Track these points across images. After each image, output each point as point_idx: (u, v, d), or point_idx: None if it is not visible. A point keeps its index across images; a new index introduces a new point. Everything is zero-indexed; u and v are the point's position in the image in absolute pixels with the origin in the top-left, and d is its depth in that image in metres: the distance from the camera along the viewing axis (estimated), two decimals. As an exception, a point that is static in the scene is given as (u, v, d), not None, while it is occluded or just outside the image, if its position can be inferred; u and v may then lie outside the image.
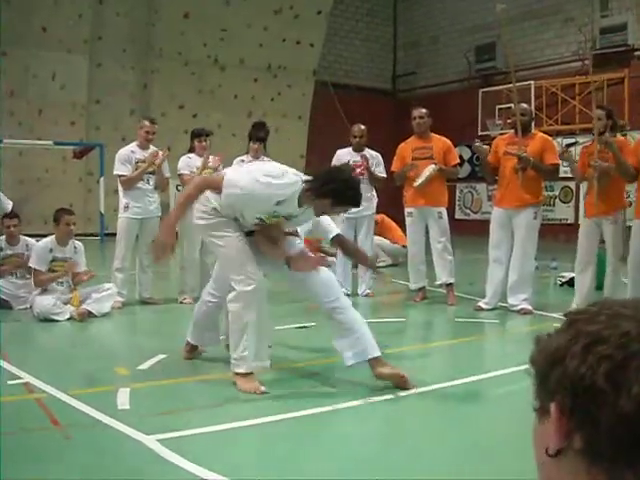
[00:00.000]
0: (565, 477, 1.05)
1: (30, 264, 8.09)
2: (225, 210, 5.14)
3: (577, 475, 1.03)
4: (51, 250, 8.03)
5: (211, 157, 8.99)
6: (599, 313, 1.07)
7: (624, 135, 17.84)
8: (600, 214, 7.73)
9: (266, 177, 5.04)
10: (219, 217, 5.12)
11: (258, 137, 9.37)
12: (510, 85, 9.00)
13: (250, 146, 9.39)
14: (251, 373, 5.08)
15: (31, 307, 7.90)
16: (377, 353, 5.14)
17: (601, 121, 7.81)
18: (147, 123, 8.99)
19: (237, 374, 5.07)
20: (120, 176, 8.78)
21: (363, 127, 9.53)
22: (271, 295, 9.23)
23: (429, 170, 8.66)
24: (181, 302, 8.85)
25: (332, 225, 6.04)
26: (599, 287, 8.08)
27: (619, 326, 1.03)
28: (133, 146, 8.96)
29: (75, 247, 8.23)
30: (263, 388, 4.97)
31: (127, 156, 8.80)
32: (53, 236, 8.14)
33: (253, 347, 5.08)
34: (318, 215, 5.47)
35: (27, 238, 8.65)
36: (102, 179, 17.44)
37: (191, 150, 9.10)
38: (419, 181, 8.67)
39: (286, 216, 5.29)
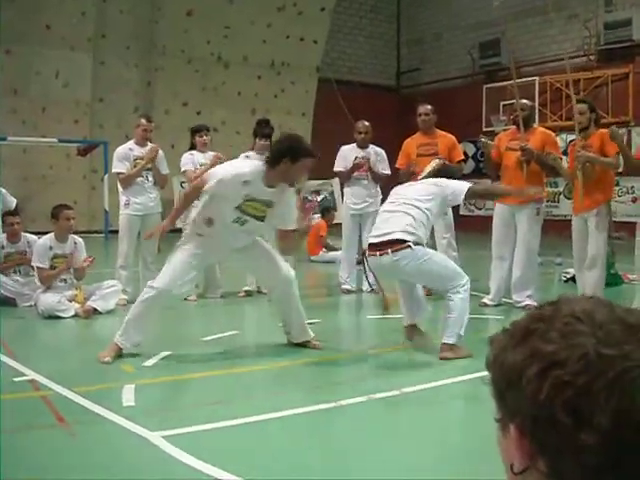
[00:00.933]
0: None
1: (32, 263, 8.11)
2: (205, 211, 5.85)
3: None
4: (51, 247, 8.03)
5: (211, 153, 9.00)
6: (553, 325, 1.00)
7: (629, 130, 17.95)
8: (585, 209, 7.70)
9: (231, 163, 6.10)
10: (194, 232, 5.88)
11: (264, 133, 9.37)
12: (514, 81, 8.92)
13: (256, 143, 9.39)
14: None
15: (36, 304, 7.90)
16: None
17: (584, 115, 7.75)
18: (144, 121, 8.98)
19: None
20: (118, 174, 8.78)
21: (367, 123, 9.53)
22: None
23: (433, 164, 8.63)
24: (185, 299, 8.85)
25: (292, 218, 6.09)
26: (606, 284, 8.07)
27: (576, 347, 0.95)
28: (131, 144, 8.93)
29: (75, 243, 8.21)
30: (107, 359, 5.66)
31: (125, 154, 8.79)
32: (52, 234, 8.14)
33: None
34: (290, 183, 5.88)
35: (28, 235, 8.67)
36: (106, 176, 17.43)
37: (192, 147, 9.12)
38: (423, 175, 8.64)
39: (264, 201, 5.75)
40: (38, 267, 7.99)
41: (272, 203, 5.76)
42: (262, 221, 5.97)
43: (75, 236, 8.32)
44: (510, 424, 1.00)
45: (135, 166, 8.71)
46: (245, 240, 6.08)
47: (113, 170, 8.89)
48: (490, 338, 1.09)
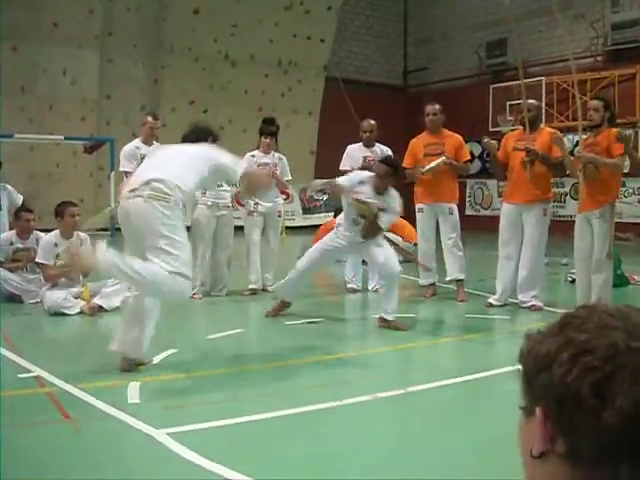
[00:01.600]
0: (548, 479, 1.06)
1: (37, 259, 8.11)
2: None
3: (559, 479, 1.04)
4: (56, 245, 8.03)
5: None
6: (589, 320, 1.07)
7: (636, 132, 17.90)
8: (588, 208, 7.65)
9: None
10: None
11: (269, 131, 9.39)
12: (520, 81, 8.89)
13: (261, 141, 9.41)
14: None
15: (42, 301, 7.91)
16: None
17: (598, 112, 7.65)
18: (150, 119, 9.00)
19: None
20: (126, 173, 8.76)
21: (373, 122, 9.51)
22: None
23: (438, 161, 8.63)
24: (191, 297, 8.85)
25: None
26: (613, 285, 8.03)
27: (607, 337, 1.03)
28: (138, 142, 8.93)
29: (81, 239, 8.21)
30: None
31: (132, 152, 8.78)
32: (57, 231, 8.14)
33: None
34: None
35: (37, 232, 8.67)
36: (113, 174, 17.44)
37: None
38: (427, 167, 8.63)
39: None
40: (42, 264, 8.01)
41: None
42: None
43: (80, 232, 8.33)
44: (536, 407, 1.07)
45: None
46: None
47: (120, 169, 8.88)
48: (526, 334, 1.16)
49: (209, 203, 8.90)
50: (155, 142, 8.93)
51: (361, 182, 7.31)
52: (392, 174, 7.25)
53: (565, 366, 1.03)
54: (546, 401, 1.05)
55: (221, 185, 8.93)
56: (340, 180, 7.56)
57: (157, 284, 5.08)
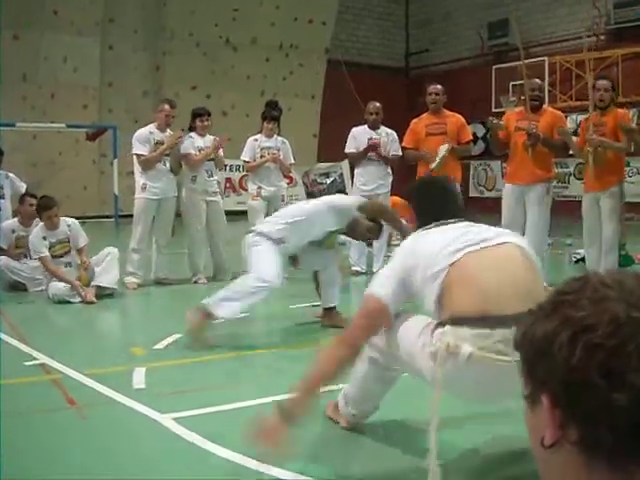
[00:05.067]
0: (563, 469, 1.01)
1: (33, 256, 8.09)
2: None
3: (575, 468, 0.99)
4: (44, 237, 7.97)
5: (210, 137, 9.01)
6: (583, 293, 1.01)
7: (639, 111, 17.83)
8: (597, 189, 7.66)
9: None
10: None
11: (272, 116, 9.39)
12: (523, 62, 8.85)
13: (264, 125, 9.41)
14: None
15: (46, 289, 7.92)
16: None
17: (607, 92, 7.66)
18: (167, 107, 8.98)
19: None
20: (139, 155, 8.75)
21: (378, 104, 9.53)
22: (285, 274, 9.24)
23: (443, 151, 8.59)
24: (195, 282, 8.86)
25: None
26: (619, 264, 8.04)
27: (606, 310, 0.97)
28: (152, 127, 8.92)
29: (68, 225, 8.14)
30: None
31: (146, 137, 8.78)
32: (42, 223, 8.06)
33: None
34: None
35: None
36: (115, 161, 17.45)
37: (191, 129, 9.10)
38: (434, 164, 8.59)
39: None
40: (41, 257, 7.92)
41: None
42: None
43: (66, 218, 8.25)
44: (541, 395, 1.01)
45: (155, 150, 8.70)
46: None
47: (134, 151, 8.83)
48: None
49: (199, 189, 8.91)
50: (169, 130, 8.92)
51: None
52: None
53: (566, 348, 0.97)
54: (551, 387, 0.99)
55: (211, 174, 8.98)
56: None
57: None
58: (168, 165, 8.82)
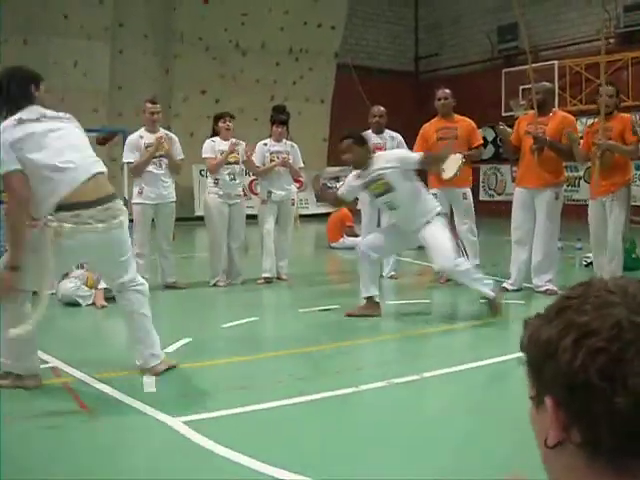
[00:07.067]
0: (565, 470, 1.04)
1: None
2: None
3: (578, 469, 1.02)
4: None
5: (232, 140, 9.01)
6: (586, 299, 1.04)
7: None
8: (603, 193, 7.66)
9: None
10: None
11: (280, 120, 9.40)
12: (532, 65, 8.85)
13: (273, 130, 9.42)
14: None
15: (55, 292, 7.92)
16: None
17: (612, 98, 7.69)
18: (149, 105, 8.84)
19: None
20: (128, 163, 8.76)
21: (382, 108, 9.56)
22: (295, 279, 9.27)
23: (457, 162, 8.53)
24: (214, 285, 8.85)
25: None
26: (625, 268, 8.01)
27: (609, 315, 1.00)
28: (141, 131, 8.83)
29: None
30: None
31: (135, 142, 8.71)
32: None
33: None
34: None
35: None
36: (125, 165, 17.46)
37: (214, 134, 9.11)
38: (450, 174, 8.53)
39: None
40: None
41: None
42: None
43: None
44: (545, 397, 1.04)
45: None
46: None
47: (123, 160, 8.87)
48: (524, 321, 1.12)
49: (221, 193, 8.91)
50: (161, 129, 8.90)
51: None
52: (354, 143, 6.92)
53: (570, 351, 0.99)
54: (555, 390, 1.02)
55: (234, 177, 8.97)
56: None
57: None
58: (165, 168, 8.71)
